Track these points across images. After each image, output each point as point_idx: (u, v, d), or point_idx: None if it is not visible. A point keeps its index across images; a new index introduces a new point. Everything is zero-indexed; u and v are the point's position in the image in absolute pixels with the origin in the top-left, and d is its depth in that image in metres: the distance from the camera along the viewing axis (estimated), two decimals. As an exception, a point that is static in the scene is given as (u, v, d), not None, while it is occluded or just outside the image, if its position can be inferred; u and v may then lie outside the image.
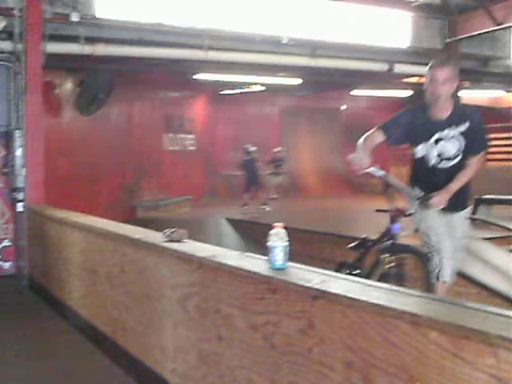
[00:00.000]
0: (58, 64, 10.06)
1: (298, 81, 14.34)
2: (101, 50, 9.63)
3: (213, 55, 10.40)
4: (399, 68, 12.08)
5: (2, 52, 8.76)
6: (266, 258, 3.37)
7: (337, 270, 5.65)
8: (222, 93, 17.51)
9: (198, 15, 10.35)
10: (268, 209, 14.45)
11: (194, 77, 13.63)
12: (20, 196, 8.73)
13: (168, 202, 14.30)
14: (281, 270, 3.24)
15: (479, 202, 11.46)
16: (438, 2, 12.30)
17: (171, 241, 4.38)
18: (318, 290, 2.77)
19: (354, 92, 18.39)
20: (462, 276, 8.42)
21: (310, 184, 19.52)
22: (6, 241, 9.07)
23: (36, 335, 6.16)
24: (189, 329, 3.92)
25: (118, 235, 5.19)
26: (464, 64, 12.56)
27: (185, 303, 3.93)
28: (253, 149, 14.98)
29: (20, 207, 8.74)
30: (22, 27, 8.52)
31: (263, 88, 15.86)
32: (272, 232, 3.30)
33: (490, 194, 11.70)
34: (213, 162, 18.04)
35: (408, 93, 18.22)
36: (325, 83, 16.07)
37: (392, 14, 12.02)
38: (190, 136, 17.23)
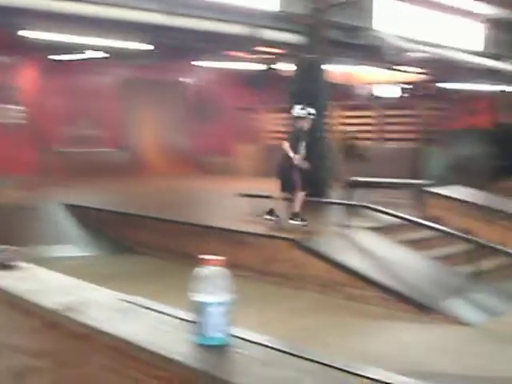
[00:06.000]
0: None
1: (147, 46, 12.44)
2: None
3: (42, 2, 8.22)
4: (266, 33, 10.69)
5: None
6: (184, 313, 1.85)
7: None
8: (55, 59, 15.11)
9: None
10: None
11: (20, 33, 10.99)
12: None
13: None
14: (220, 346, 1.72)
15: (354, 185, 10.44)
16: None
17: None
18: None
19: (203, 63, 16.76)
20: (350, 272, 7.39)
21: (153, 162, 17.81)
22: None
23: None
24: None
25: None
26: (330, 34, 11.45)
27: (27, 381, 2.27)
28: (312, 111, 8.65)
29: None
30: None
31: (105, 55, 13.75)
32: (202, 274, 1.74)
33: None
34: (46, 138, 15.69)
35: (261, 67, 17.01)
36: (173, 52, 14.32)
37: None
38: (17, 107, 14.77)
